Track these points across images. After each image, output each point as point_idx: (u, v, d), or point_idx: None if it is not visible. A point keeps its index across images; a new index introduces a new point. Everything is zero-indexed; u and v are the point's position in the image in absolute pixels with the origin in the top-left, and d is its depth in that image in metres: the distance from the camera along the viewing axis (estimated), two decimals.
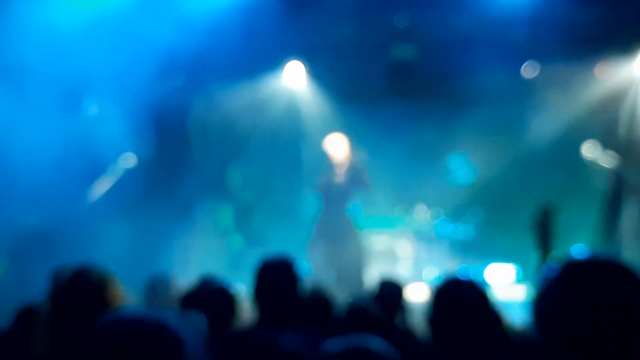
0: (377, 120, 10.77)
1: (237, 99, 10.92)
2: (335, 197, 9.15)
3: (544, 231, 4.33)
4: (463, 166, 10.43)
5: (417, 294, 8.66)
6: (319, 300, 4.46)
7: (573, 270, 1.85)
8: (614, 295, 1.78)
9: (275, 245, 9.26)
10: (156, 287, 5.65)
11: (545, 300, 1.84)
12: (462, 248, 10.17)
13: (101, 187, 10.17)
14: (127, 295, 3.46)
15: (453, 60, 10.57)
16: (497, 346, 3.12)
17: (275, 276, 3.80)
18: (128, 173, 10.40)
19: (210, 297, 4.67)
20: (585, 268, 1.84)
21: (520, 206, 10.58)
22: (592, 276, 1.82)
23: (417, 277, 9.73)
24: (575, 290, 1.81)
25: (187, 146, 11.10)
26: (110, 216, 9.69)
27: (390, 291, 4.60)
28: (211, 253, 10.42)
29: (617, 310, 1.76)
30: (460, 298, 3.15)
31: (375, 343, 2.27)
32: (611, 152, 10.69)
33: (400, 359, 2.31)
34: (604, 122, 10.75)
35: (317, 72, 10.98)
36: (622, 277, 1.82)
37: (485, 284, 3.20)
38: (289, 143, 10.97)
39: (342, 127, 10.04)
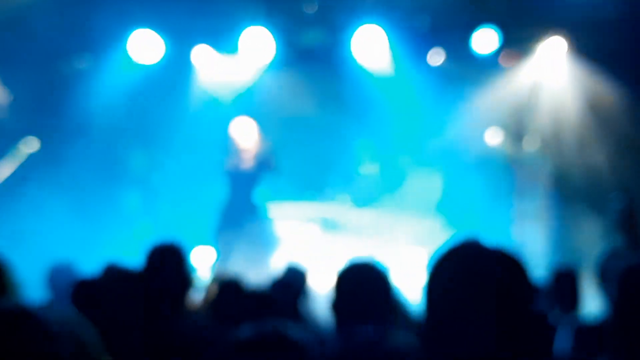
0: (287, 106, 10.75)
1: (143, 80, 10.71)
2: (242, 182, 9.12)
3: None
4: (371, 153, 10.51)
5: (323, 281, 8.68)
6: (226, 285, 4.47)
7: (454, 256, 1.88)
8: (491, 278, 1.83)
9: (184, 230, 9.23)
10: (56, 276, 5.53)
11: (429, 284, 1.88)
12: (370, 234, 10.24)
13: (1, 171, 9.91)
14: (23, 284, 3.37)
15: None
16: (393, 330, 3.15)
17: (164, 263, 3.81)
18: (30, 157, 10.16)
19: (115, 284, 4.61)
20: (466, 253, 1.88)
21: (429, 191, 10.77)
22: (470, 261, 1.87)
23: (324, 264, 9.74)
24: (453, 274, 1.84)
25: (88, 129, 10.84)
26: (8, 202, 9.47)
27: (294, 277, 4.61)
28: (117, 239, 10.23)
29: (494, 293, 1.81)
30: (361, 282, 3.16)
31: (292, 330, 2.22)
32: (515, 139, 10.91)
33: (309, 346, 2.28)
34: (507, 109, 10.95)
35: (227, 56, 10.91)
36: (501, 261, 1.86)
37: (387, 268, 3.22)
38: (197, 125, 10.81)
39: (251, 110, 10.02)
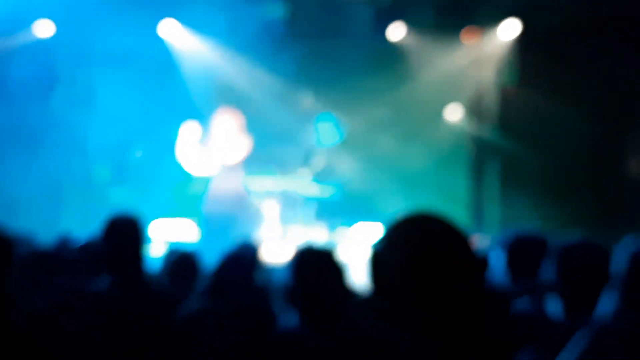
0: (250, 78, 10.71)
1: (111, 57, 10.58)
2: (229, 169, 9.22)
3: None
4: (331, 126, 10.50)
5: (281, 255, 8.71)
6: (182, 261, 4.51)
7: (398, 228, 1.88)
8: (434, 248, 1.82)
9: (151, 203, 9.30)
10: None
11: (374, 258, 1.87)
12: (329, 208, 10.27)
13: None
14: None
15: (323, 20, 10.62)
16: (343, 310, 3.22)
17: (122, 235, 3.85)
18: None
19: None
20: (408, 225, 1.88)
21: (387, 166, 10.82)
22: (413, 231, 1.86)
23: (283, 238, 9.75)
24: (397, 245, 1.85)
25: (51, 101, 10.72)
26: None
27: (246, 251, 4.63)
28: (86, 211, 10.15)
29: (438, 262, 1.81)
30: (315, 271, 3.22)
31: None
32: (473, 115, 11.00)
33: None
34: (467, 86, 11.03)
35: (192, 29, 10.85)
36: (442, 231, 1.86)
37: (335, 246, 3.28)
38: (169, 97, 10.74)
39: (217, 85, 10.01)
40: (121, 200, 10.34)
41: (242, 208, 9.17)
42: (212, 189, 9.27)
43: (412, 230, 1.87)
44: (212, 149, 9.24)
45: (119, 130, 10.56)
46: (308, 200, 10.21)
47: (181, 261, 4.68)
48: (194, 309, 3.88)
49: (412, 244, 1.83)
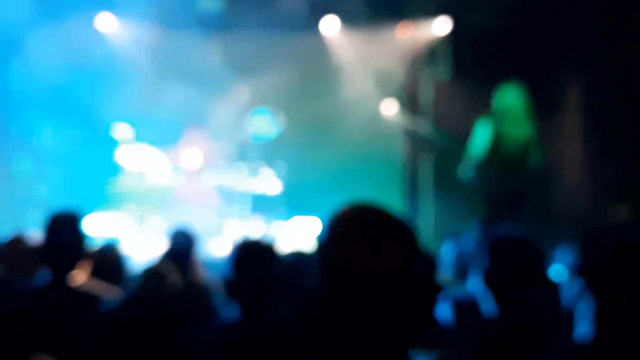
0: (187, 72, 10.66)
1: (47, 49, 10.39)
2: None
3: None
4: (266, 120, 10.50)
5: (218, 248, 8.71)
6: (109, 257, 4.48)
7: (341, 219, 1.90)
8: (375, 240, 1.84)
9: (79, 197, 9.19)
10: None
11: (319, 251, 1.89)
12: (266, 202, 10.27)
13: None
14: None
15: (258, 12, 10.62)
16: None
17: (62, 231, 3.84)
18: None
19: None
20: (352, 216, 1.89)
21: (322, 161, 10.86)
22: (357, 222, 1.87)
23: (219, 232, 9.72)
24: (342, 237, 1.86)
25: None
26: None
27: (183, 243, 4.62)
28: (9, 205, 9.98)
29: (379, 253, 1.83)
30: (253, 264, 3.25)
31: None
32: (408, 110, 11.09)
33: None
34: (402, 81, 11.12)
35: (128, 21, 10.74)
36: (386, 222, 1.87)
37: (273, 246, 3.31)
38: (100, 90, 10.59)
39: (154, 81, 10.06)
40: (45, 195, 10.23)
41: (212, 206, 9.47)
42: (179, 192, 9.48)
43: (356, 221, 1.88)
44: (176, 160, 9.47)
45: (43, 124, 10.43)
46: (244, 194, 10.19)
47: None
48: (124, 300, 3.87)
49: (357, 235, 1.84)
